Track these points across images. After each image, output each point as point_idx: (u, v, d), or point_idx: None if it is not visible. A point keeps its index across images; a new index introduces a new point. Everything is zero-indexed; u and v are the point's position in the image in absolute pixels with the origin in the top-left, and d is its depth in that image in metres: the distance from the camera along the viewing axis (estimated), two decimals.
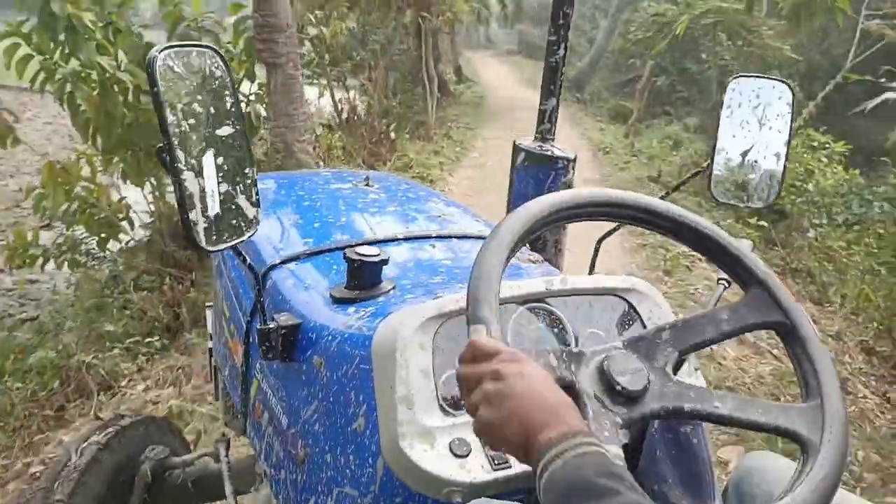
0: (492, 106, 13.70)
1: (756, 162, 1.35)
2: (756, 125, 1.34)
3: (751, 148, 1.35)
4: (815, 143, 7.01)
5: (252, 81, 4.79)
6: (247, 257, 1.08)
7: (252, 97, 4.84)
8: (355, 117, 8.14)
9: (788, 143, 1.33)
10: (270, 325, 1.11)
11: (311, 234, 1.44)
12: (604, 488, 0.54)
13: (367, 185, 1.79)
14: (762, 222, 5.66)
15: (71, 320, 4.36)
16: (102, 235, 4.79)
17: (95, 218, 4.70)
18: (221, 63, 0.99)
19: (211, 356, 1.84)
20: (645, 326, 1.04)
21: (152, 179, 4.93)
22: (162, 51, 0.91)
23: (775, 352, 3.45)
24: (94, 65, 3.95)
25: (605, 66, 17.74)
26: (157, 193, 5.02)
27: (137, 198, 4.98)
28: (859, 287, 4.49)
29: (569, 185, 1.47)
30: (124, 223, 4.87)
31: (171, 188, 5.15)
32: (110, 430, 1.65)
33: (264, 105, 4.90)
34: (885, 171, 7.42)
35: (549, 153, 1.47)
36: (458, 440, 0.86)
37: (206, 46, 1.00)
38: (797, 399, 0.84)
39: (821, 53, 9.30)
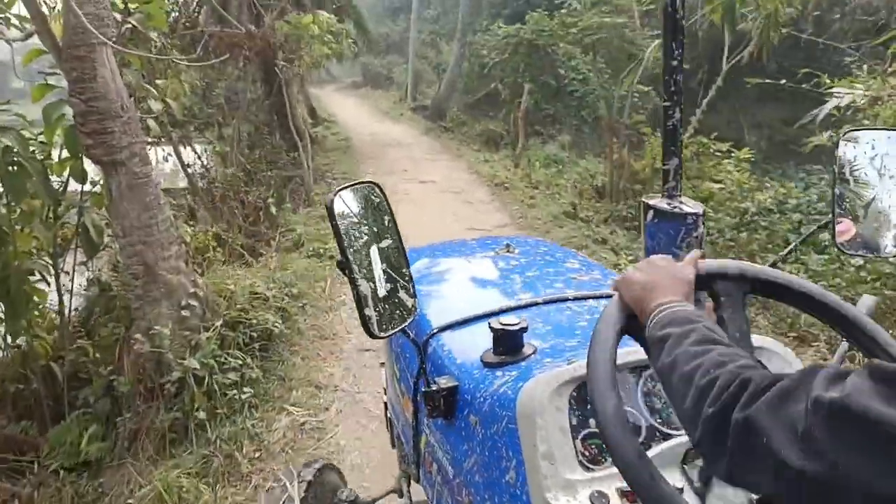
0: (359, 147, 12.76)
1: (881, 212, 1.31)
2: (875, 176, 1.32)
3: (873, 199, 1.32)
4: (718, 152, 6.83)
5: (82, 184, 3.53)
6: (409, 332, 1.33)
7: (86, 203, 3.56)
8: (216, 187, 6.88)
9: None
10: (433, 388, 1.32)
11: (463, 303, 1.65)
12: (688, 321, 0.84)
13: (508, 251, 2.00)
14: None
15: None
16: None
17: None
18: (379, 191, 1.31)
19: (386, 409, 2.14)
20: None
21: None
22: (336, 193, 1.19)
23: None
24: None
25: (458, 91, 17.53)
26: None
27: None
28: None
29: (700, 240, 1.44)
30: None
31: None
32: (315, 467, 2.02)
33: (101, 211, 3.66)
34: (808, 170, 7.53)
35: (677, 210, 1.46)
36: (597, 493, 0.97)
37: (368, 182, 1.31)
38: None
39: (708, 60, 9.42)
